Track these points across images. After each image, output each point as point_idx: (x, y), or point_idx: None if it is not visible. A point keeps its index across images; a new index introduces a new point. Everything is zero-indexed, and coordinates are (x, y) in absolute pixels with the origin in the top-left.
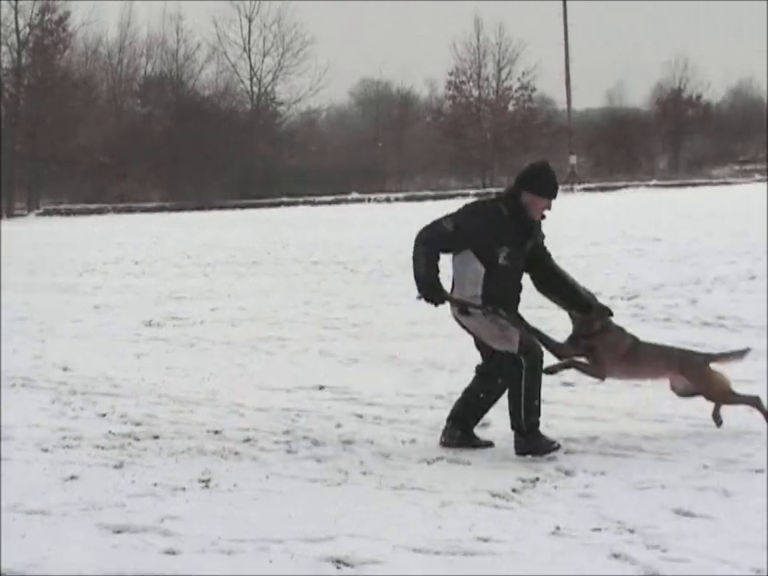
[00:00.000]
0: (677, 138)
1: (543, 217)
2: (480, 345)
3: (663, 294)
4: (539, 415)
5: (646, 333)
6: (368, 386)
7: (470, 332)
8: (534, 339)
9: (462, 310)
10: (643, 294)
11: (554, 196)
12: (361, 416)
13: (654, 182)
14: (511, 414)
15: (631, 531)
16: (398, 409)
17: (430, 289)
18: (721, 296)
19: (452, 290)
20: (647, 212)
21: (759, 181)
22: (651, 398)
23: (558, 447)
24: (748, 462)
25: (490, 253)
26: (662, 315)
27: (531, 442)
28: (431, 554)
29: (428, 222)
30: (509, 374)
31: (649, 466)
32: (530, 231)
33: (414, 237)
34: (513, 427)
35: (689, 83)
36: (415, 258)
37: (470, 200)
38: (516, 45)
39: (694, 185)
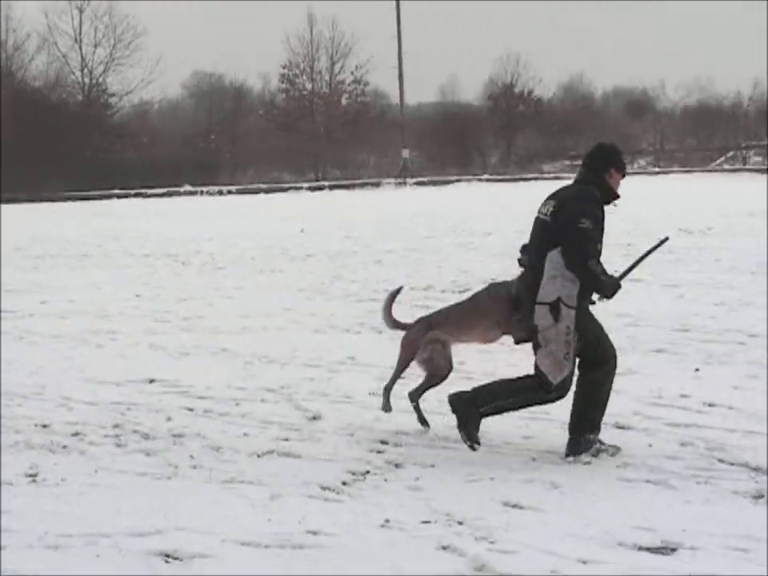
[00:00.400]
0: (509, 132)
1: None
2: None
3: None
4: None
5: None
6: (199, 379)
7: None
8: (569, 384)
9: (555, 311)
10: (474, 288)
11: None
12: (191, 409)
13: (486, 176)
14: (487, 399)
15: (460, 523)
16: (229, 402)
17: (616, 287)
18: None
19: (529, 288)
20: (479, 206)
21: None
22: None
23: (473, 448)
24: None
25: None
26: None
27: (464, 429)
28: (261, 547)
29: (575, 241)
30: (528, 387)
31: (478, 458)
32: None
33: (579, 269)
34: (474, 404)
35: (520, 78)
36: (601, 283)
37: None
38: (349, 38)
39: (525, 179)
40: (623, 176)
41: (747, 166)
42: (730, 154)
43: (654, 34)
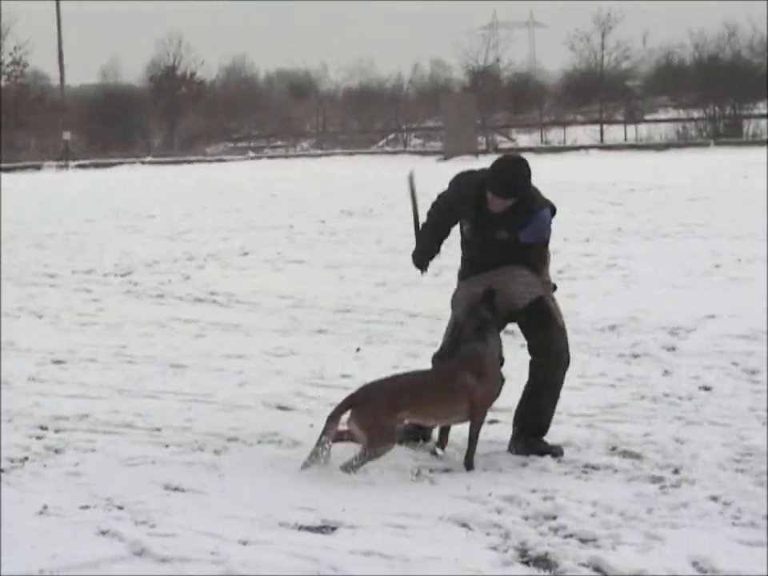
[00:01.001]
0: (171, 115)
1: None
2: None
3: (157, 270)
4: None
5: (139, 309)
6: None
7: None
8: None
9: None
10: (137, 271)
11: (501, 194)
12: None
13: (149, 158)
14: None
15: (120, 508)
16: None
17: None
18: (213, 272)
19: None
20: (142, 188)
21: (253, 158)
22: (142, 374)
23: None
24: (238, 435)
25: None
26: (155, 292)
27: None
28: None
29: None
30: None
31: (140, 442)
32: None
33: None
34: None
35: (183, 61)
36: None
37: None
38: (7, 19)
39: (189, 162)
40: (494, 196)
41: (408, 149)
42: (392, 136)
43: (315, 20)
